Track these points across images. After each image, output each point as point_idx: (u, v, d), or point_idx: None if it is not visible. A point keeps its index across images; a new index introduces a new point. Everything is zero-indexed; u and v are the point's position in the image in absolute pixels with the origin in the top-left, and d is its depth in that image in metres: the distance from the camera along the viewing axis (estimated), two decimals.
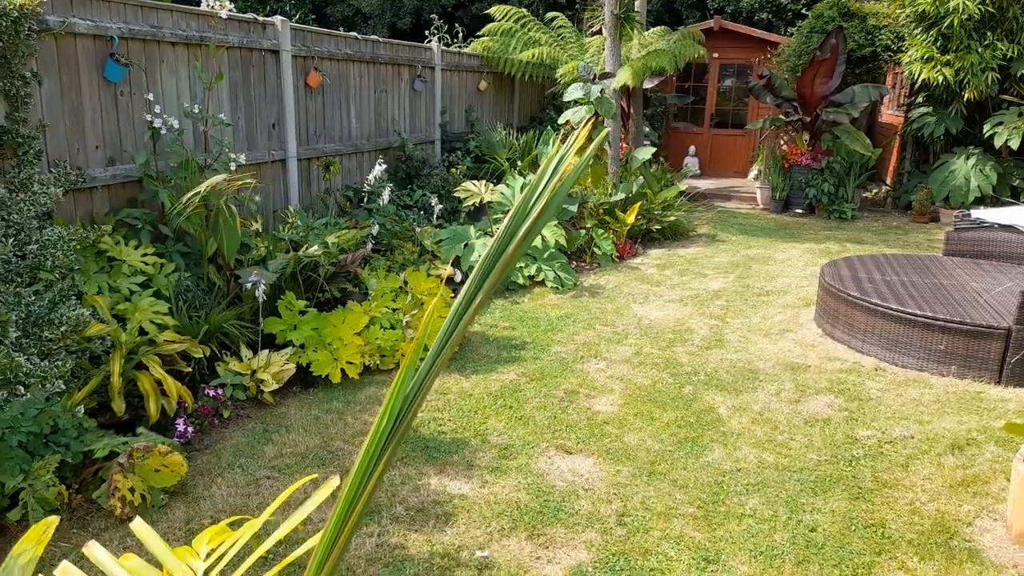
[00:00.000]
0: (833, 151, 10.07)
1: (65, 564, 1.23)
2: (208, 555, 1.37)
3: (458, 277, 6.32)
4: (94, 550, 1.30)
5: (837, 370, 4.78)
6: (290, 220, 5.57)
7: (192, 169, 4.52)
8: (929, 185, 9.61)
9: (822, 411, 4.20)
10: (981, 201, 9.03)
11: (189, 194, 4.08)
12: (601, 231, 7.66)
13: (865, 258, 6.04)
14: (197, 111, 4.77)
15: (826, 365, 4.87)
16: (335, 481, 1.34)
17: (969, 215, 6.02)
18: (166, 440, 3.22)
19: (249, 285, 4.18)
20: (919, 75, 9.10)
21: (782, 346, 5.23)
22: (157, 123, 4.34)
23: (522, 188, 7.25)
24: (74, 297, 3.45)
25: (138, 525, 1.41)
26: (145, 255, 4.23)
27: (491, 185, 7.30)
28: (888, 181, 11.01)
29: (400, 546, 2.93)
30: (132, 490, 2.93)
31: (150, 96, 4.53)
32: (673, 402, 4.31)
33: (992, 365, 4.47)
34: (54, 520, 0.97)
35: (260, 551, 1.26)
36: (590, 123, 0.79)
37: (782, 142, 11.13)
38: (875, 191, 11.28)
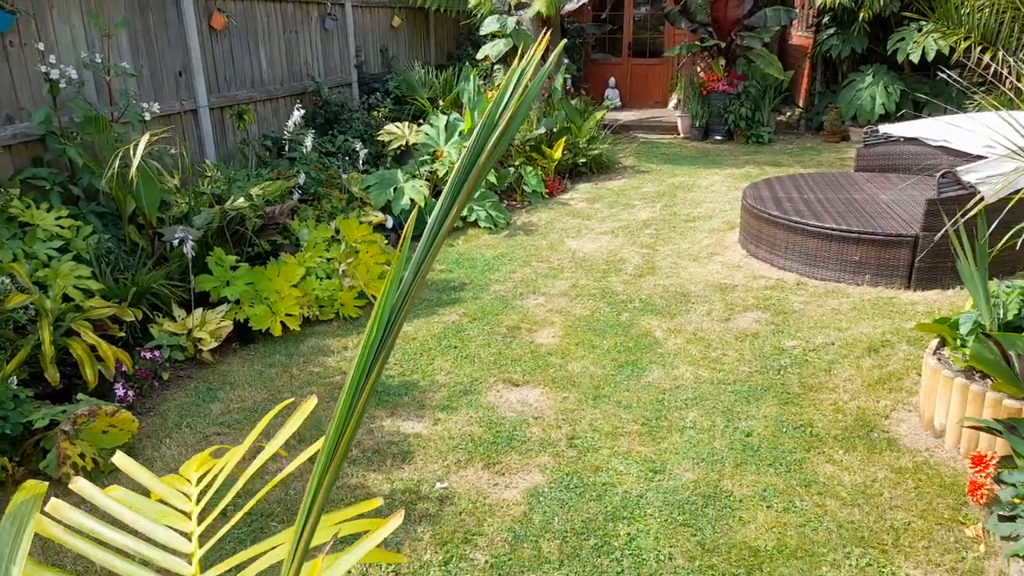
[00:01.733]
0: (748, 76, 10.29)
1: (55, 501, 1.23)
2: (199, 481, 1.39)
3: (389, 223, 6.25)
4: (80, 484, 1.29)
5: (762, 287, 5.02)
6: (209, 174, 5.36)
7: (100, 124, 4.27)
8: (838, 104, 9.98)
9: (750, 327, 4.43)
10: (887, 118, 9.45)
11: (118, 153, 3.88)
12: (529, 168, 7.67)
13: (784, 179, 6.29)
14: (99, 60, 4.47)
15: (752, 283, 5.10)
16: (313, 401, 1.36)
17: (876, 131, 6.31)
18: (108, 403, 3.14)
19: (176, 242, 4.04)
20: None
21: (710, 269, 5.44)
22: (54, 74, 4.06)
23: (446, 126, 7.16)
24: None
25: (120, 458, 1.41)
26: (59, 218, 4.01)
27: (415, 126, 7.17)
28: (800, 103, 11.36)
29: (360, 486, 2.98)
30: (83, 455, 2.87)
31: (41, 46, 4.21)
32: (611, 329, 4.46)
33: (902, 272, 4.79)
34: (44, 486, 0.97)
35: (252, 469, 1.28)
36: (547, 35, 0.81)
37: (699, 69, 11.28)
38: (789, 114, 11.63)
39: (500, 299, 4.96)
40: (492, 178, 6.77)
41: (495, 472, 3.08)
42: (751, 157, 9.36)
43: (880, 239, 4.78)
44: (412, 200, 6.33)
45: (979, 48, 4.80)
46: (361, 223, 5.60)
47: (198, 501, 1.34)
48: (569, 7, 8.92)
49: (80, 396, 3.22)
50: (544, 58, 9.10)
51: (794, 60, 11.51)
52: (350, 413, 0.73)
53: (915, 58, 8.97)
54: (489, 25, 7.62)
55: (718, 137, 10.66)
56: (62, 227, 4.01)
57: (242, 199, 4.59)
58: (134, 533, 1.25)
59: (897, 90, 9.42)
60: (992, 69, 4.47)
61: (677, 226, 6.54)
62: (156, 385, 3.80)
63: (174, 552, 1.26)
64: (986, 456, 2.59)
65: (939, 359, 3.24)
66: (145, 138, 4.08)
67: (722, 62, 10.62)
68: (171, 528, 1.28)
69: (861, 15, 9.16)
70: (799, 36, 11.60)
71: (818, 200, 5.54)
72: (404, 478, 3.04)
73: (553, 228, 6.58)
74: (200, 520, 1.32)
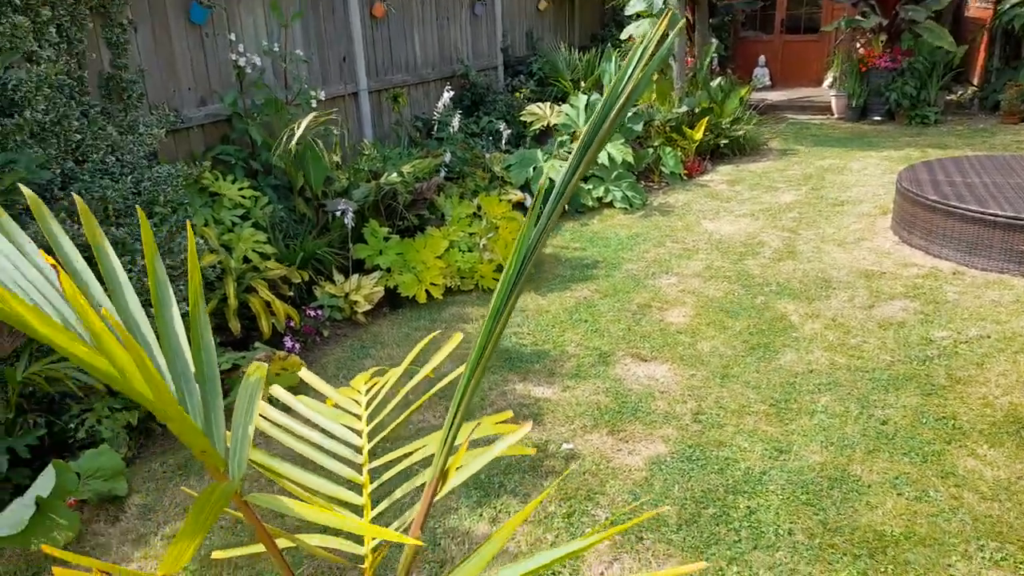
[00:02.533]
0: (914, 51, 9.57)
1: (260, 403, 1.52)
2: (368, 391, 1.65)
3: (528, 201, 6.48)
4: (278, 391, 1.58)
5: (913, 276, 4.77)
6: (366, 152, 5.81)
7: (278, 106, 4.77)
8: (1021, 82, 9.07)
9: (896, 315, 4.25)
10: None
11: (287, 132, 4.35)
12: (669, 149, 7.62)
13: (945, 161, 5.88)
14: (277, 49, 4.98)
15: (902, 271, 4.86)
16: (459, 336, 1.58)
17: None
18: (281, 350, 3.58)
19: (338, 213, 4.46)
20: None
21: (856, 255, 5.23)
22: (242, 62, 4.58)
23: (586, 107, 7.26)
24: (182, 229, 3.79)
25: (305, 373, 1.69)
26: (241, 189, 4.55)
27: (556, 107, 7.33)
28: (975, 81, 10.41)
29: (493, 441, 3.22)
30: None
31: (232, 36, 4.76)
32: (745, 311, 4.43)
33: None
34: (264, 367, 1.22)
35: (413, 382, 1.52)
36: (666, 18, 0.93)
37: (858, 45, 10.61)
38: (960, 92, 10.69)
39: (632, 277, 5.05)
40: (629, 158, 6.81)
41: (619, 439, 3.21)
42: (913, 139, 8.74)
43: None
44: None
45: None
46: (501, 200, 5.86)
47: (367, 407, 1.60)
48: None
49: (256, 344, 3.68)
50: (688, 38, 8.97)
51: (968, 34, 10.54)
52: (496, 321, 0.91)
53: None
54: (635, 5, 7.62)
55: (877, 117, 10.02)
56: (244, 197, 4.54)
57: (395, 175, 4.96)
58: (318, 429, 1.52)
59: None
60: None
61: (823, 210, 6.29)
62: (318, 340, 4.25)
63: (348, 444, 1.52)
64: None
65: None
66: (308, 118, 4.52)
67: (883, 37, 9.94)
68: (346, 426, 1.53)
69: None
70: (977, 7, 10.61)
71: (983, 184, 5.15)
72: (533, 436, 3.24)
73: (690, 209, 6.54)
74: (369, 421, 1.57)
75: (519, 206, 6.30)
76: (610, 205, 6.73)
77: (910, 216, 5.25)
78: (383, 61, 6.61)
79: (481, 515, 2.77)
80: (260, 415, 1.47)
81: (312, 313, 4.22)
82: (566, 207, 6.56)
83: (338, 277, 4.67)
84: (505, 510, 2.79)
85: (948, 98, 10.39)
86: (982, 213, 4.66)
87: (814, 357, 3.84)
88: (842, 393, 3.48)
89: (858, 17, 9.98)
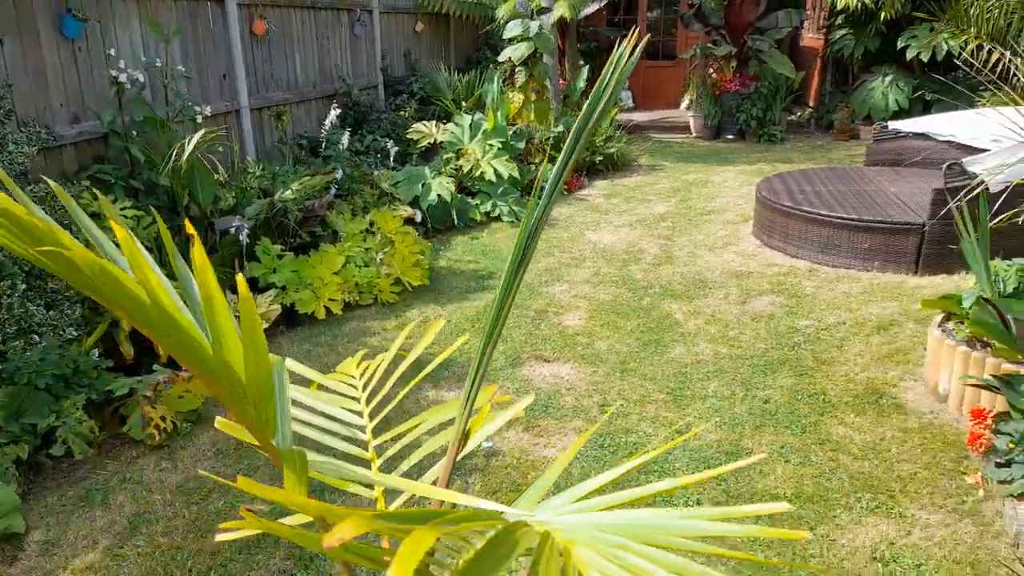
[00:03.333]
0: (760, 76, 10.55)
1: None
2: (361, 375, 1.69)
3: (418, 217, 6.56)
4: (290, 364, 1.59)
5: (776, 274, 5.29)
6: (251, 170, 5.69)
7: (159, 124, 4.60)
8: (851, 104, 10.22)
9: (766, 308, 4.70)
10: (898, 116, 9.67)
11: (176, 148, 4.22)
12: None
13: (796, 173, 6.55)
14: (158, 64, 4.80)
15: (766, 270, 5.37)
16: (441, 322, 1.67)
17: (887, 126, 6.57)
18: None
19: (232, 230, 4.35)
20: None
21: (726, 258, 5.71)
22: (122, 78, 4.39)
23: (471, 125, 7.46)
24: None
25: (291, 363, 1.70)
26: (124, 208, 4.34)
27: (441, 125, 7.48)
28: (811, 103, 11.60)
29: (416, 443, 3.27)
30: (163, 418, 3.17)
31: (112, 51, 4.55)
32: (634, 312, 4.74)
33: (910, 258, 5.04)
34: (280, 358, 1.26)
35: (407, 363, 1.59)
36: (635, 34, 1.09)
37: (711, 71, 11.54)
38: (799, 114, 11.87)
39: (527, 286, 5.25)
40: (515, 173, 7.07)
41: (534, 434, 3.36)
42: (762, 155, 9.61)
43: (889, 227, 5.04)
44: (439, 195, 6.63)
45: (988, 47, 5.07)
46: (394, 216, 5.92)
47: (363, 389, 1.66)
48: (587, 11, 9.22)
49: (155, 367, 3.53)
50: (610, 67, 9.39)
51: (805, 61, 11.76)
52: (510, 290, 1.02)
53: (925, 57, 9.21)
54: (512, 29, 7.94)
55: (730, 136, 10.92)
56: (126, 217, 4.33)
57: (288, 192, 4.91)
58: (318, 413, 1.55)
59: (909, 88, 9.66)
60: (1001, 67, 4.73)
61: (693, 219, 6.81)
62: None
63: (349, 424, 1.56)
64: (985, 411, 2.86)
65: (943, 331, 3.50)
66: (199, 134, 4.41)
67: (734, 64, 10.88)
68: (346, 409, 1.58)
69: (882, 15, 9.38)
70: (810, 38, 11.85)
71: (829, 192, 5.80)
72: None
73: (573, 222, 6.87)
74: (366, 404, 1.63)
75: (409, 221, 6.37)
76: (497, 219, 6.94)
77: (769, 222, 5.81)
78: (264, 79, 6.50)
79: None
80: None
81: None
82: (455, 222, 6.71)
83: (231, 297, 4.55)
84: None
85: (790, 119, 11.51)
86: (831, 217, 5.26)
87: (700, 349, 4.18)
88: (727, 379, 3.82)
89: (710, 45, 10.88)
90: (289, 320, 4.74)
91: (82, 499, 2.93)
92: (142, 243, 4.15)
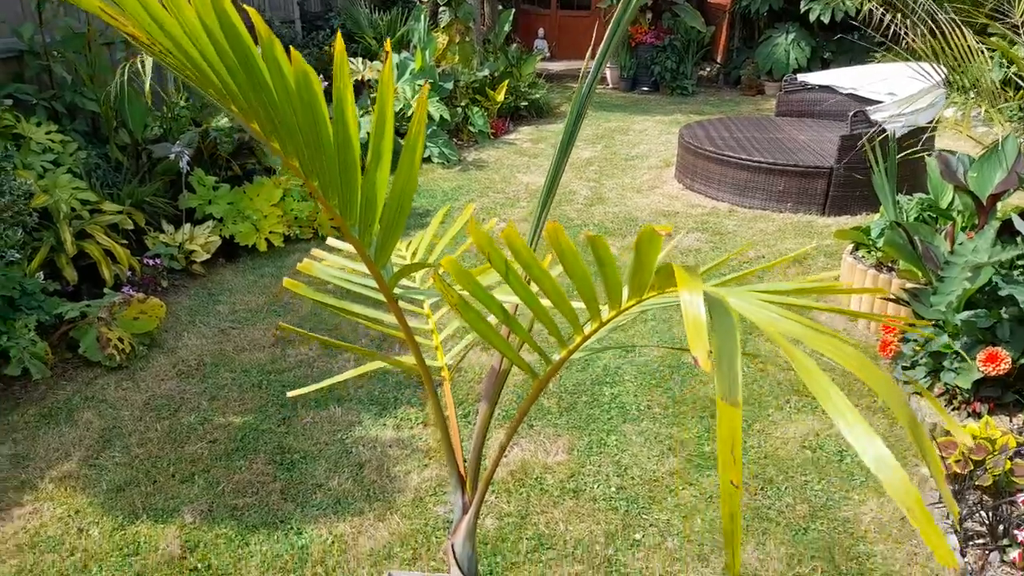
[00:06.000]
0: (674, 30, 10.88)
1: (314, 252, 1.62)
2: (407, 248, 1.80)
3: None
4: (315, 252, 1.67)
5: (700, 214, 5.64)
6: (175, 100, 5.46)
7: (81, 43, 4.35)
8: (755, 59, 10.74)
9: (693, 244, 5.04)
10: (798, 72, 10.27)
11: (121, 69, 4.03)
12: (476, 108, 8.00)
13: (715, 121, 6.92)
14: None
15: (691, 211, 5.71)
16: (472, 206, 1.80)
17: (795, 79, 7.02)
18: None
19: (171, 156, 4.22)
20: None
21: (652, 199, 6.02)
22: None
23: (398, 65, 7.38)
24: (8, 169, 3.41)
25: (316, 252, 1.78)
26: (49, 132, 4.12)
27: (368, 62, 7.37)
28: (719, 59, 12.09)
29: (384, 338, 3.38)
30: (121, 339, 3.13)
31: None
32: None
33: (818, 199, 5.50)
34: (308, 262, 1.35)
35: (449, 235, 1.72)
36: None
37: None
38: (708, 69, 12.35)
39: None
40: (446, 115, 7.09)
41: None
42: (677, 107, 10.00)
43: (800, 171, 5.47)
44: (368, 133, 6.57)
45: (881, 10, 5.50)
46: None
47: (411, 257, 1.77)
48: None
49: (106, 290, 3.44)
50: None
51: (713, 18, 12.19)
52: (567, 149, 1.17)
53: (825, 19, 9.78)
54: None
55: (645, 88, 11.26)
56: (53, 141, 4.11)
57: (225, 119, 4.77)
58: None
59: (809, 47, 10.26)
60: (892, 30, 5.17)
61: (618, 164, 7.08)
62: (158, 291, 4.03)
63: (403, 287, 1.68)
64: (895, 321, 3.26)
65: (854, 258, 3.91)
66: (141, 57, 4.21)
67: (649, 15, 11.16)
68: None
69: None
70: None
71: (746, 139, 6.19)
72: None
73: (503, 164, 7.00)
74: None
75: None
76: (428, 160, 6.96)
77: (691, 166, 6.15)
78: None
79: (384, 424, 2.96)
80: (319, 263, 1.57)
81: (150, 262, 3.99)
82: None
83: (168, 228, 4.43)
84: (406, 418, 3.00)
85: (700, 73, 11.96)
86: (749, 161, 5.63)
87: None
88: (665, 307, 4.11)
89: None
90: (228, 253, 4.67)
91: (45, 417, 2.88)
92: (72, 169, 3.98)
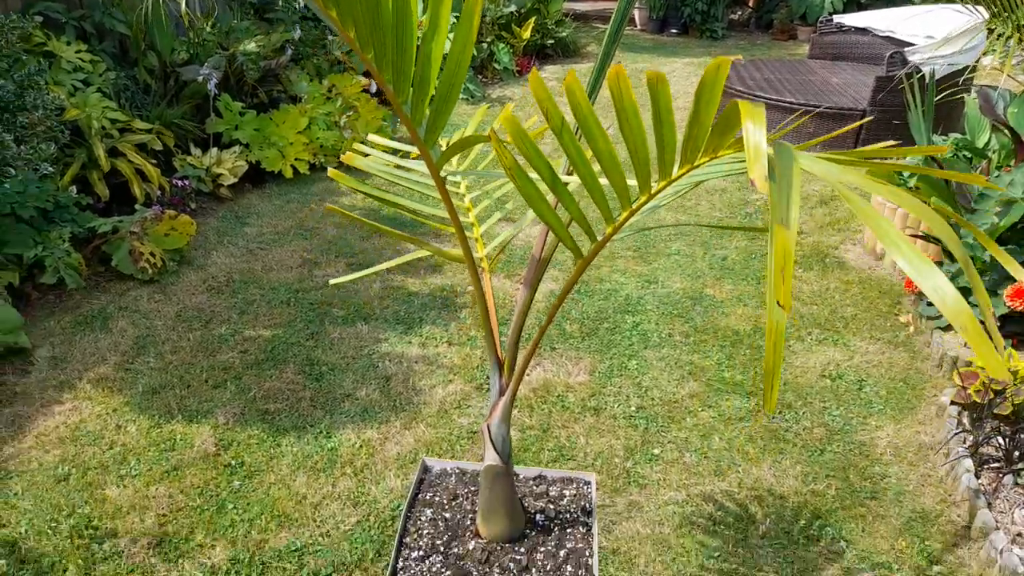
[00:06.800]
0: None
1: (358, 145, 1.64)
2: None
3: (373, 88, 6.44)
4: (358, 147, 1.70)
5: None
6: (201, 25, 5.42)
7: None
8: (790, 3, 10.42)
9: (719, 184, 4.99)
10: (833, 15, 9.96)
11: None
12: (501, 45, 7.88)
13: (746, 62, 6.76)
14: None
15: None
16: (511, 105, 1.81)
17: (831, 20, 6.82)
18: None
19: (200, 79, 4.22)
20: None
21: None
22: None
23: None
24: (41, 84, 3.43)
25: (373, 137, 1.81)
26: (79, 52, 4.12)
27: None
28: (751, 2, 11.74)
29: (401, 287, 3.43)
30: (152, 254, 3.19)
31: None
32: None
33: (849, 143, 5.40)
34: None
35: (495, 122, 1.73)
36: None
37: None
38: (740, 13, 12.01)
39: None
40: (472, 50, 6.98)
41: (515, 281, 3.57)
42: (706, 50, 9.77)
43: (833, 112, 5.36)
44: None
45: None
46: (353, 82, 5.81)
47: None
48: None
49: (138, 206, 3.50)
50: None
51: None
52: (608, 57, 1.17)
53: None
54: None
55: (674, 30, 10.99)
56: (83, 60, 4.12)
57: (252, 45, 4.74)
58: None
59: None
60: None
61: (645, 105, 6.96)
62: (186, 212, 4.08)
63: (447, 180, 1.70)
64: None
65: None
66: None
67: None
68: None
69: None
70: None
71: (778, 80, 6.06)
72: (439, 283, 3.50)
73: (528, 101, 6.91)
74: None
75: (364, 91, 6.26)
76: None
77: (721, 106, 6.04)
78: None
79: (410, 342, 3.02)
80: (363, 155, 1.60)
81: (180, 182, 4.03)
82: None
83: (195, 151, 4.46)
84: (431, 337, 3.06)
85: (731, 17, 11.64)
86: (780, 101, 5.53)
87: (660, 216, 4.44)
88: (689, 240, 4.11)
89: None
90: (255, 179, 4.70)
91: (81, 324, 2.97)
92: (101, 89, 4.00)
